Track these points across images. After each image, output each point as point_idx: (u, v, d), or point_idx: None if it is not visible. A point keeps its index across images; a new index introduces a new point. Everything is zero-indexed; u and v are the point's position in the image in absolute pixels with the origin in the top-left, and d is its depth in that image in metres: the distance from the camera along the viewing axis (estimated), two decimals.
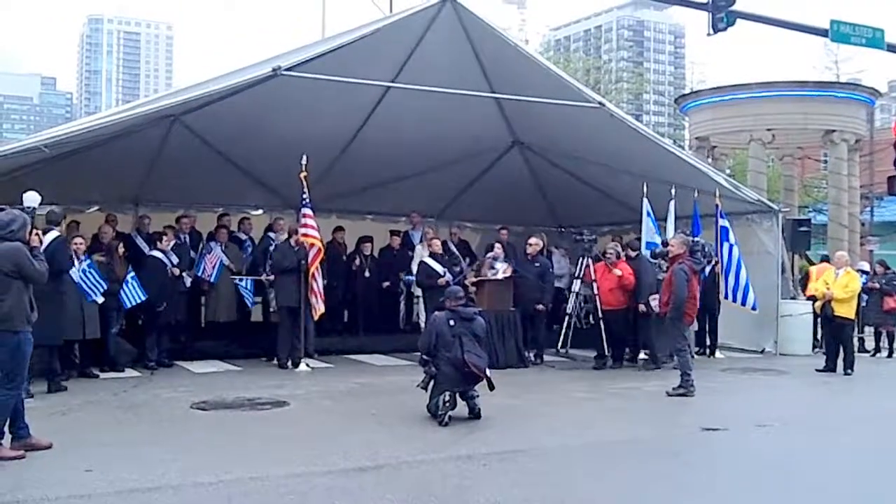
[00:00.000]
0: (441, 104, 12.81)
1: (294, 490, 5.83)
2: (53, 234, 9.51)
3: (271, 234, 13.85)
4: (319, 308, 12.15)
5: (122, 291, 10.93)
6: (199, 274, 12.79)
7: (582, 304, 13.66)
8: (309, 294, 12.06)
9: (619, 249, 13.38)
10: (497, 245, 13.67)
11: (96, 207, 13.75)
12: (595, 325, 13.06)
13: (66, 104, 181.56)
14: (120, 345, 11.42)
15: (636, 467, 6.95)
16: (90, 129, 10.67)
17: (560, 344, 13.55)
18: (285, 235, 12.97)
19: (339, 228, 15.04)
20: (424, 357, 8.53)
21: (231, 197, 14.97)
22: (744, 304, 14.02)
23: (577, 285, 13.63)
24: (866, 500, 6.12)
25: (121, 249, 11.43)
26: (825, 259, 16.45)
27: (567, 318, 13.63)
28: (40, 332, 7.41)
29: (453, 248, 15.36)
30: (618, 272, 12.82)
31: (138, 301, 11.12)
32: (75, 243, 10.38)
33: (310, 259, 12.02)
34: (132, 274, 11.08)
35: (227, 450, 7.12)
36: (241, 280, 13.05)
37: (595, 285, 13.08)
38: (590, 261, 13.36)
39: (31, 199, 8.28)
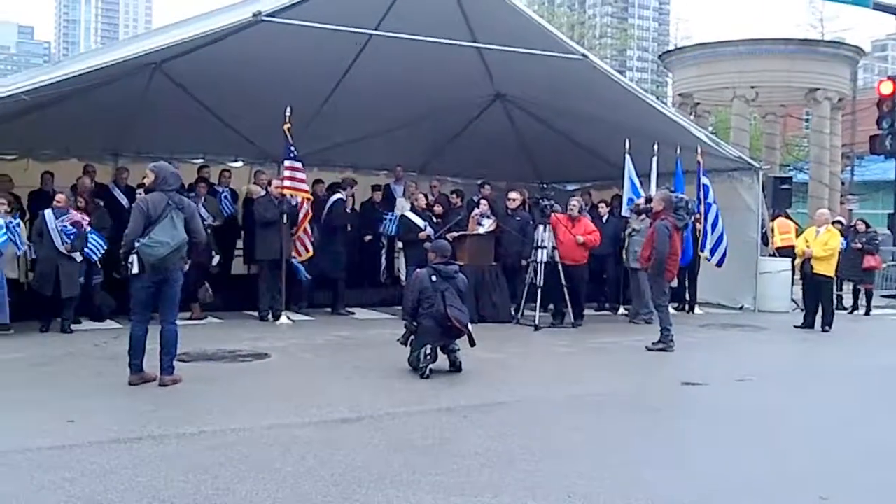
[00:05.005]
0: (423, 55, 12.64)
1: (276, 441, 5.83)
2: (337, 195, 13.34)
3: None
4: (307, 251, 12.31)
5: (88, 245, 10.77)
6: None
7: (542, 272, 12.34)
8: (294, 243, 12.11)
9: (583, 204, 13.19)
10: (483, 201, 13.60)
11: (74, 158, 13.55)
12: (554, 282, 12.29)
13: (44, 53, 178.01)
14: (103, 297, 11.37)
15: (616, 420, 6.99)
16: (71, 75, 10.45)
17: (519, 311, 12.67)
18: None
19: (319, 181, 14.90)
20: (409, 316, 8.53)
21: (211, 148, 14.81)
22: (710, 259, 14.13)
23: (540, 254, 12.25)
24: (845, 451, 6.19)
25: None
26: (783, 215, 16.88)
27: (526, 287, 12.55)
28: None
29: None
30: (580, 238, 12.30)
31: (102, 251, 10.95)
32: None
33: (303, 213, 12.11)
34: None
35: (209, 401, 7.11)
36: None
37: (555, 240, 12.31)
38: (550, 229, 12.34)
39: None
